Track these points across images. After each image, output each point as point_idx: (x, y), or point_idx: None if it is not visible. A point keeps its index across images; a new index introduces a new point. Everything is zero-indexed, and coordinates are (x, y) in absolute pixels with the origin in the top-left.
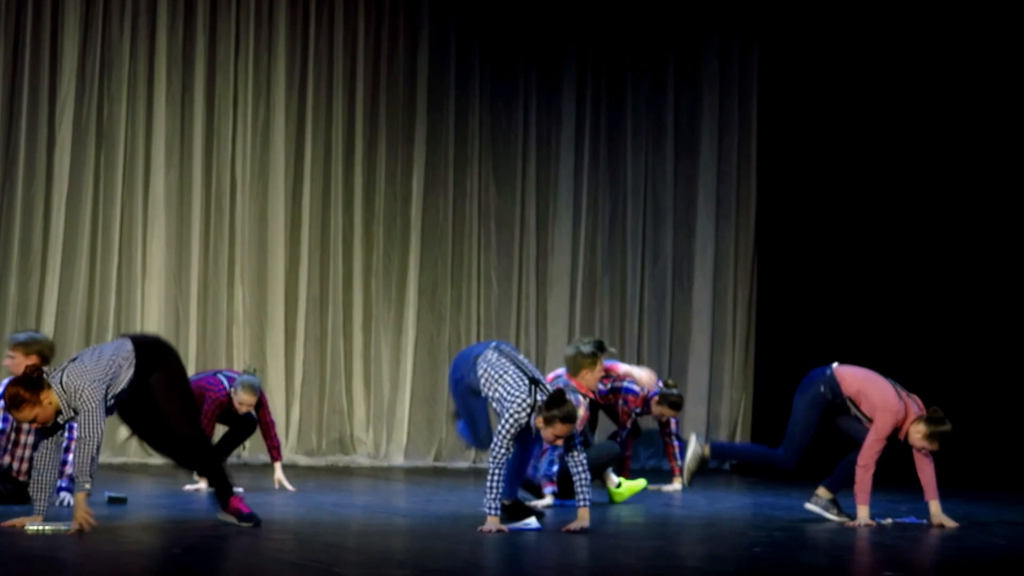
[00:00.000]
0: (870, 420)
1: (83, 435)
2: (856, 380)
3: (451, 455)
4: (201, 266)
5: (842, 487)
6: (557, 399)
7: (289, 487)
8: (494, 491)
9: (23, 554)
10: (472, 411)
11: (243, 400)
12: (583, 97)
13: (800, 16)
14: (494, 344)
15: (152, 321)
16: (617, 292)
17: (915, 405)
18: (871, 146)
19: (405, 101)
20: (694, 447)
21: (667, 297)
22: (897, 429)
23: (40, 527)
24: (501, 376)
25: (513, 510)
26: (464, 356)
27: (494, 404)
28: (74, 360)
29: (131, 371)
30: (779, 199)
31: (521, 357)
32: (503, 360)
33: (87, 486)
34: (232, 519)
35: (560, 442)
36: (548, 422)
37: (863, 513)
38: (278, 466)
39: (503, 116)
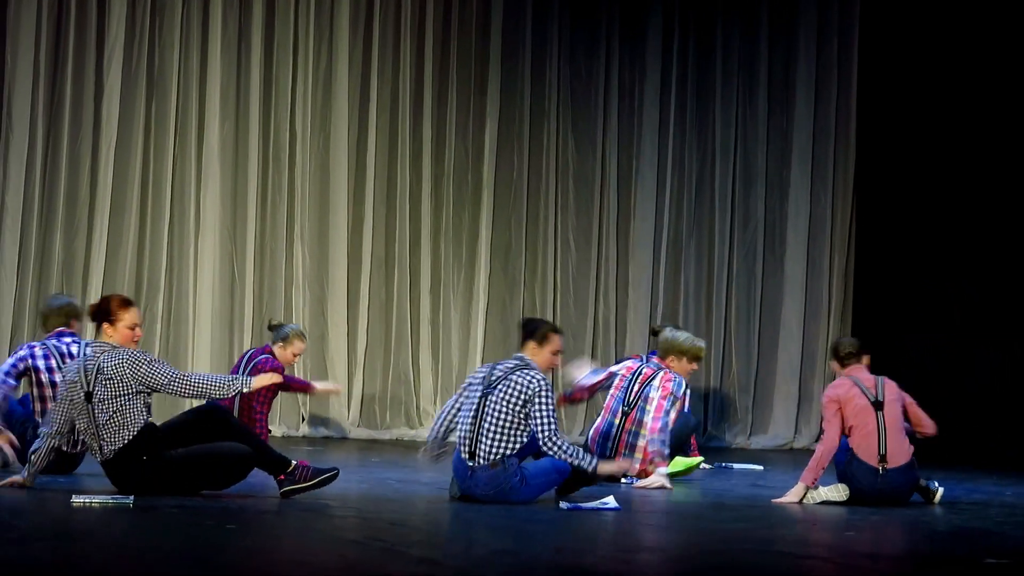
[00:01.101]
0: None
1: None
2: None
3: None
4: (258, 224)
5: None
6: None
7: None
8: (578, 455)
9: (78, 528)
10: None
11: (298, 350)
12: (669, 46)
13: None
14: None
15: (206, 282)
16: (704, 257)
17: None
18: (981, 103)
19: (478, 49)
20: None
21: (757, 263)
22: None
23: (88, 500)
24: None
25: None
26: None
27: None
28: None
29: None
30: (880, 159)
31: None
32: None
33: None
34: (304, 484)
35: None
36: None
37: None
38: (320, 385)
39: (583, 66)
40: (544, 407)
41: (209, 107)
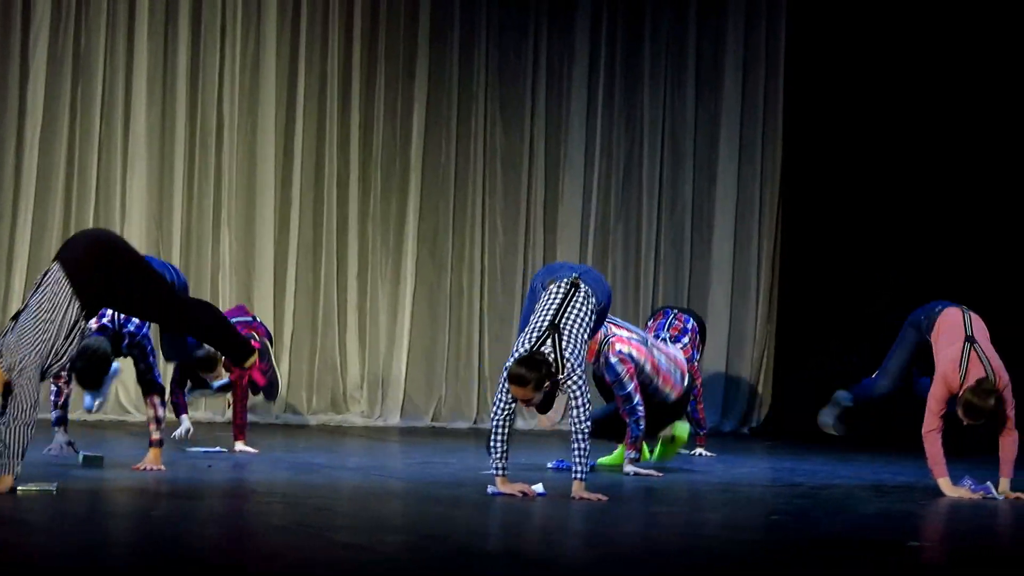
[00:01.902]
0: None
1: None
2: (943, 330)
3: (450, 415)
4: (185, 210)
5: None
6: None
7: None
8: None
9: None
10: None
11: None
12: (598, 29)
13: None
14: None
15: None
16: (632, 241)
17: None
18: (910, 85)
19: (406, 32)
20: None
21: (685, 247)
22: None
23: (26, 487)
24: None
25: None
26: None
27: None
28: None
29: (75, 302)
30: (807, 143)
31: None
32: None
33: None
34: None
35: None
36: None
37: (943, 486)
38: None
39: (511, 49)
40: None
41: (136, 91)
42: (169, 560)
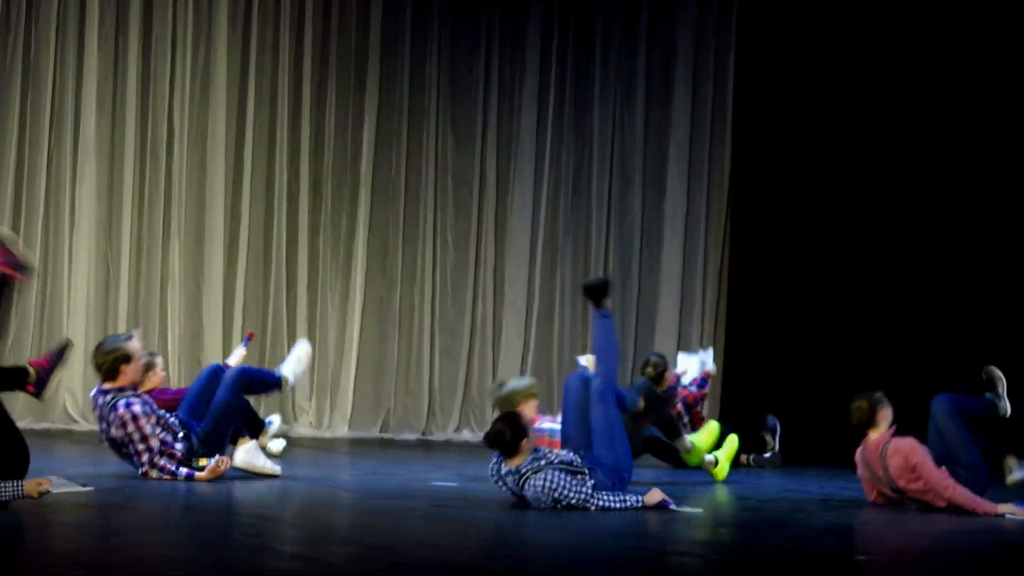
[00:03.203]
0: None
1: None
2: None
3: (399, 426)
4: (134, 219)
5: None
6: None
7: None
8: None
9: None
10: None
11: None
12: (549, 45)
13: None
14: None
15: (80, 277)
16: (580, 254)
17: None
18: (857, 103)
19: (357, 46)
20: None
21: (634, 261)
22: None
23: (60, 489)
24: None
25: None
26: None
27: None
28: None
29: None
30: (755, 158)
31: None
32: None
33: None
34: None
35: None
36: None
37: (999, 509)
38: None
39: (463, 64)
40: (567, 493)
41: (85, 102)
42: (117, 570)
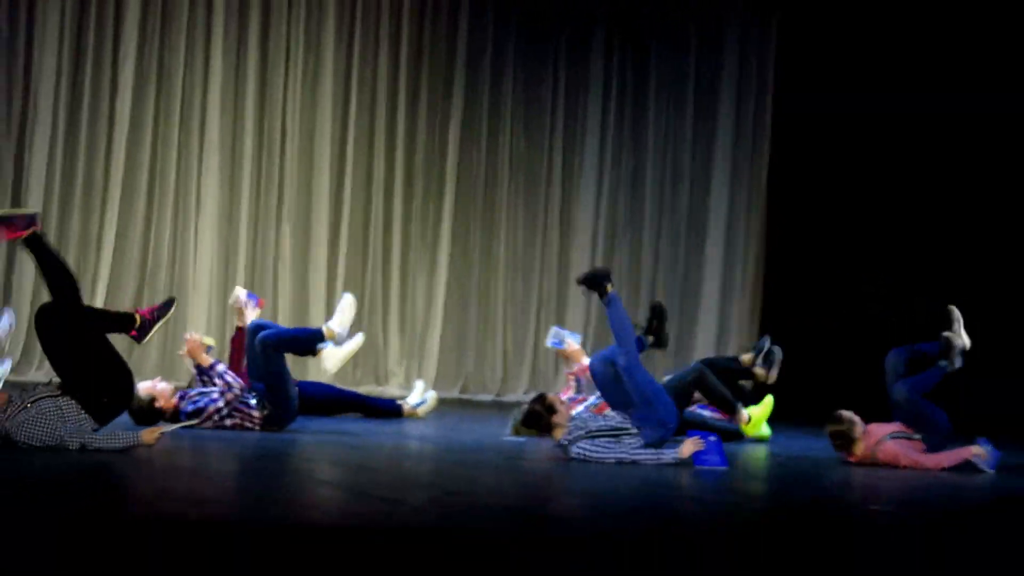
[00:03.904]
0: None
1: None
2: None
3: (476, 388)
4: (251, 206)
5: None
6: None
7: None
8: (656, 457)
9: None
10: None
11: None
12: (610, 60)
13: None
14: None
15: (204, 257)
16: (636, 243)
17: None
18: (883, 112)
19: (446, 58)
20: None
21: (681, 248)
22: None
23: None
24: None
25: None
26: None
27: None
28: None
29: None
30: (791, 160)
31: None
32: None
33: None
34: (155, 324)
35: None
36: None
37: (973, 451)
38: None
39: (536, 76)
40: (601, 457)
41: (210, 104)
42: (222, 509)
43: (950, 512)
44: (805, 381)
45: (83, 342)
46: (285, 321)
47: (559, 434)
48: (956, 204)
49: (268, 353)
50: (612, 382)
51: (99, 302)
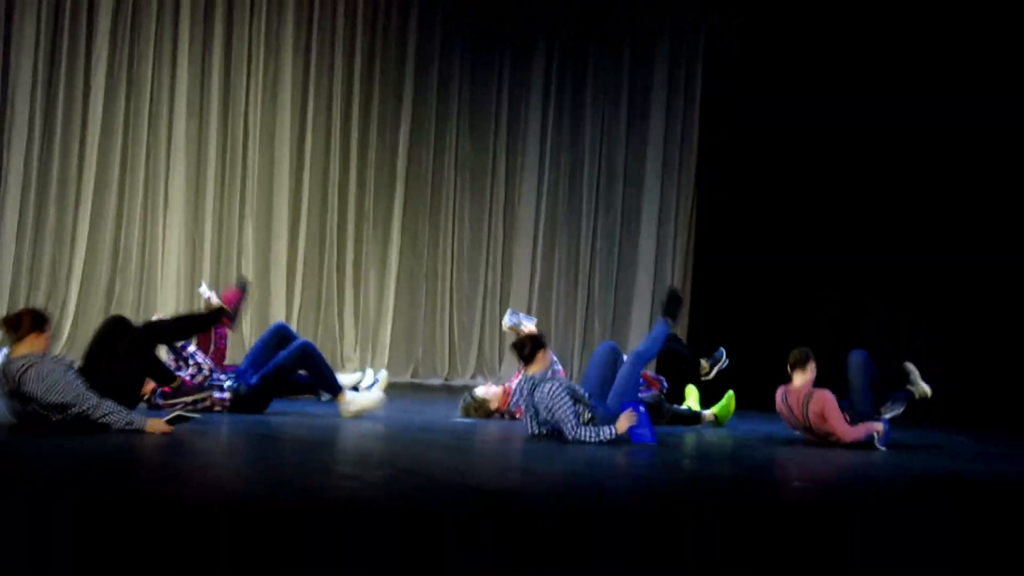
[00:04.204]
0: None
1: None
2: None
3: (426, 372)
4: (216, 203)
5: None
6: None
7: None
8: (599, 433)
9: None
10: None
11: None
12: (550, 67)
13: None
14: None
15: (172, 250)
16: (573, 237)
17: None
18: (808, 118)
19: (396, 65)
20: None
21: (615, 242)
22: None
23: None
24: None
25: None
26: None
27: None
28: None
29: None
30: (718, 159)
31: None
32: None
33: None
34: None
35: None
36: None
37: (874, 427)
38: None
39: (481, 83)
40: (562, 409)
41: (177, 107)
42: (199, 485)
43: (866, 493)
44: (731, 366)
45: (130, 363)
46: (247, 311)
47: (534, 370)
48: (875, 196)
49: (295, 361)
50: (603, 367)
51: (73, 291)
